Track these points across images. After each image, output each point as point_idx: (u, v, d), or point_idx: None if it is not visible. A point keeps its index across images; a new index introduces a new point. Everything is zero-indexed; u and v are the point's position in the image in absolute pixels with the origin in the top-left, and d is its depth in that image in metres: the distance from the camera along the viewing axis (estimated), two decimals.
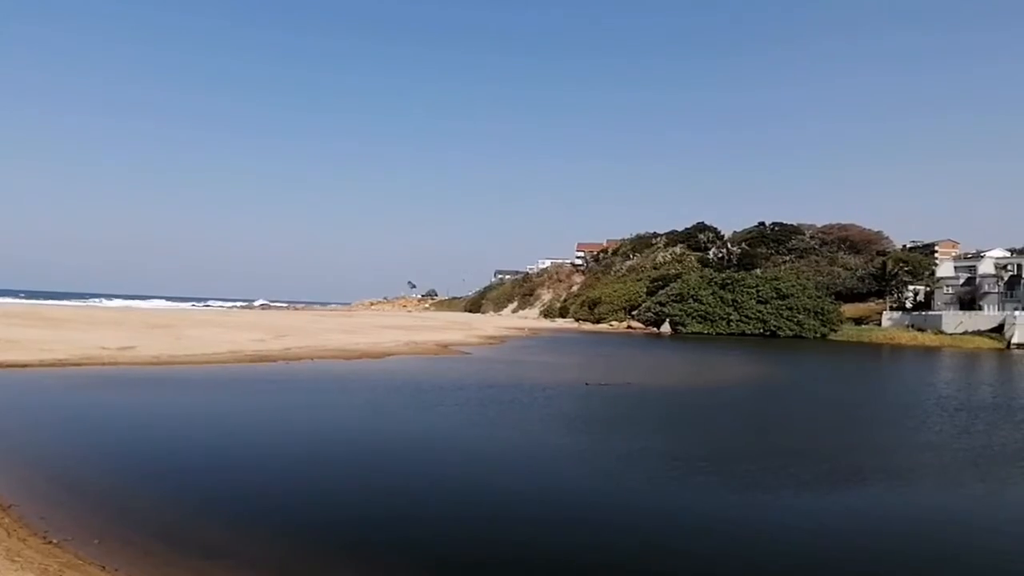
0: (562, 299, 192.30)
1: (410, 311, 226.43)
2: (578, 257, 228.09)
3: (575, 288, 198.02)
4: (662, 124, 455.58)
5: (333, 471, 19.44)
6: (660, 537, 15.52)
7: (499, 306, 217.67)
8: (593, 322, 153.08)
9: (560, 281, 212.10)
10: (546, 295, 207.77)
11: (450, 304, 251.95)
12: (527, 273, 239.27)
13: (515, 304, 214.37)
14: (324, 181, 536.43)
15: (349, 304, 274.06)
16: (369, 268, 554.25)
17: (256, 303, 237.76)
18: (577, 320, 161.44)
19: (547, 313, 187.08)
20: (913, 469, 23.78)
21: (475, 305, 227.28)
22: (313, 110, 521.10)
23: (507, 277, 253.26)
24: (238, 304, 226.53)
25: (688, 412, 36.03)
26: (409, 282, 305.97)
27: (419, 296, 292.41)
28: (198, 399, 30.49)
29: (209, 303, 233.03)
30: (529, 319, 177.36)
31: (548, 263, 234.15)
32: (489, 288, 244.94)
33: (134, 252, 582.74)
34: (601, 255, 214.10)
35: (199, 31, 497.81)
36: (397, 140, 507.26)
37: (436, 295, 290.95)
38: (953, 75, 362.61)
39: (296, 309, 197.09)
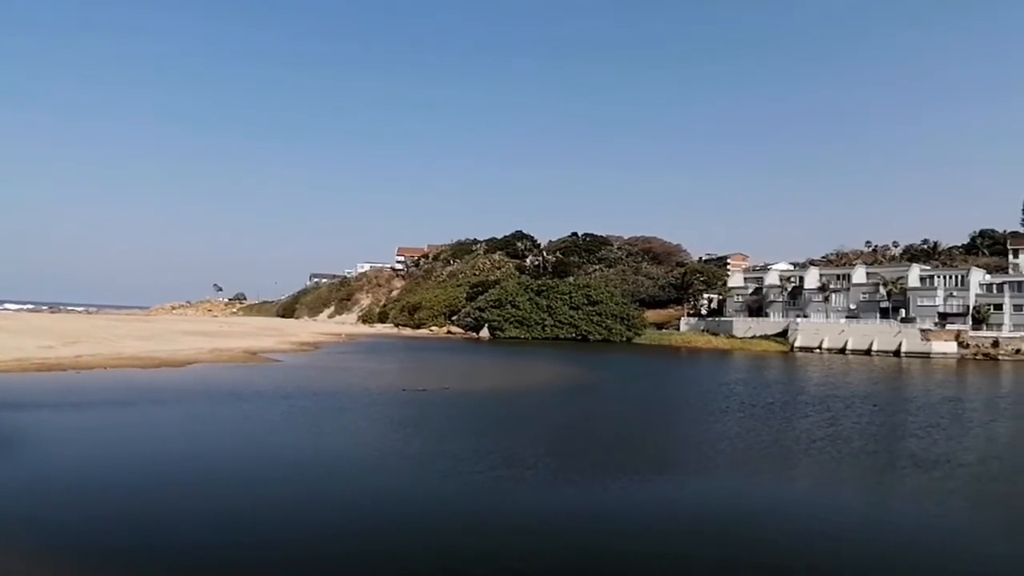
0: (382, 304, 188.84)
1: (216, 316, 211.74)
2: (398, 262, 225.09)
3: (395, 293, 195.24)
4: (484, 128, 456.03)
5: (150, 497, 17.47)
6: (500, 533, 15.18)
7: (314, 311, 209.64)
8: (413, 327, 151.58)
9: (380, 286, 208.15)
10: (365, 300, 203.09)
11: (260, 309, 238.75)
12: (345, 277, 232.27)
13: (332, 309, 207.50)
14: (112, 173, 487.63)
15: (148, 308, 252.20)
16: (170, 269, 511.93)
17: (44, 307, 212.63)
18: (397, 325, 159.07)
19: (366, 318, 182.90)
20: (711, 459, 25.21)
21: (288, 310, 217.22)
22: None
23: (323, 281, 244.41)
24: (27, 307, 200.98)
25: (506, 414, 35.77)
26: (215, 285, 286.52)
27: (226, 300, 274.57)
28: None
29: None
30: (347, 325, 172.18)
31: (367, 267, 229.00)
32: (304, 292, 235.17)
33: None
34: (422, 260, 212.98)
35: None
36: (200, 135, 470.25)
37: (245, 299, 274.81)
38: (745, 103, 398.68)
39: (90, 313, 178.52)
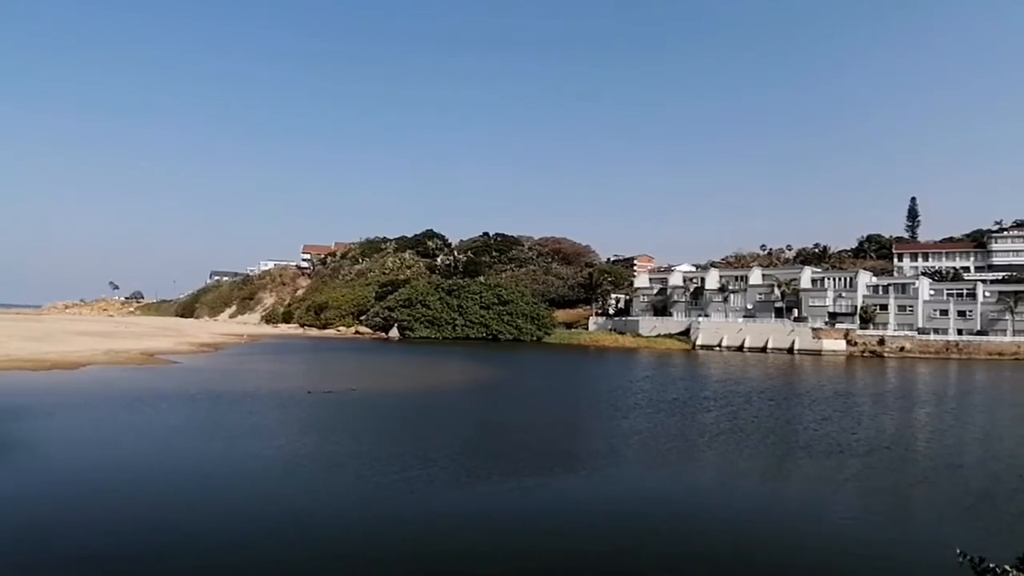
0: (286, 304, 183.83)
1: (112, 316, 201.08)
2: (304, 260, 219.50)
3: (301, 292, 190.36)
4: (397, 122, 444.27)
5: (49, 507, 16.57)
6: (416, 535, 15.00)
7: (215, 311, 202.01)
8: (320, 327, 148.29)
9: (284, 284, 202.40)
10: (269, 299, 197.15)
11: (159, 308, 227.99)
12: (247, 275, 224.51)
13: (234, 308, 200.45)
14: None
15: (40, 308, 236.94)
16: (64, 266, 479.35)
17: None
18: (302, 326, 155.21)
19: (270, 318, 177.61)
20: (622, 453, 25.81)
21: (187, 309, 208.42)
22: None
23: (225, 279, 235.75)
24: None
25: (418, 415, 35.56)
26: (111, 283, 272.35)
27: (123, 299, 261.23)
28: None
29: None
30: (249, 325, 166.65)
31: (271, 265, 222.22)
32: (204, 291, 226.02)
33: None
34: (329, 258, 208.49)
35: None
36: (96, 128, 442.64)
37: (143, 298, 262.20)
38: (632, 108, 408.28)
39: None
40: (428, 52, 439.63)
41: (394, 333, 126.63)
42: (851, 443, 29.49)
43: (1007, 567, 4.44)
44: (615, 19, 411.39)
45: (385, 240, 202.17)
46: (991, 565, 4.56)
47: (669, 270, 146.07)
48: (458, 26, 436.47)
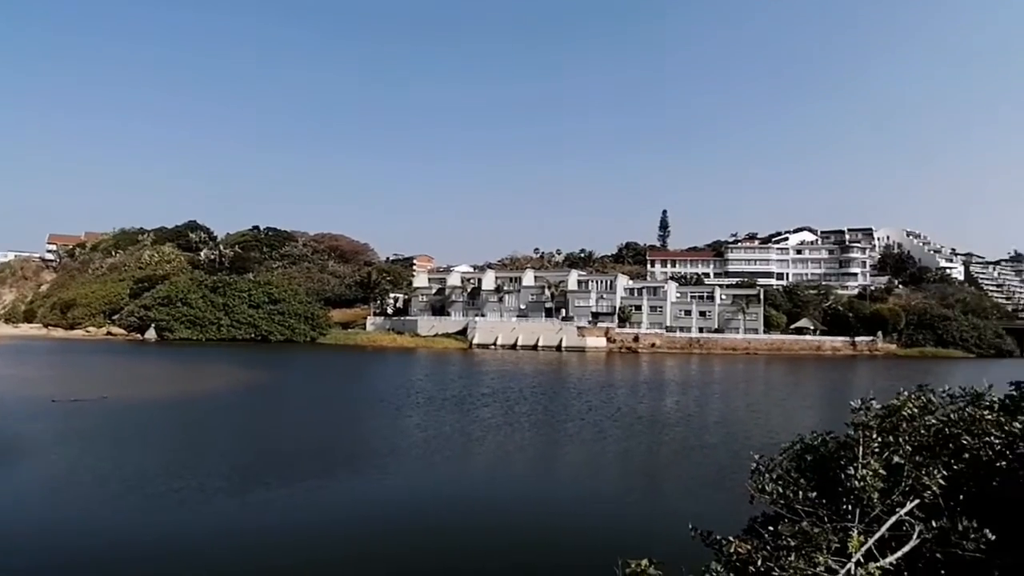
0: (28, 300, 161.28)
1: None
2: (49, 251, 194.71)
3: (45, 288, 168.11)
4: (155, 103, 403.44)
5: None
6: (192, 550, 13.85)
7: None
8: (66, 328, 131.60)
9: (26, 279, 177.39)
10: (8, 295, 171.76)
11: None
12: None
13: None
14: None
15: None
16: None
17: None
18: (46, 326, 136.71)
19: (9, 317, 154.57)
20: (402, 452, 25.81)
21: None
22: None
23: None
24: None
25: (180, 423, 32.93)
26: None
27: None
28: None
29: None
30: None
31: (12, 256, 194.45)
32: None
33: None
34: (78, 250, 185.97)
35: None
36: None
37: None
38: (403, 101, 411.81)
39: None
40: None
41: (151, 334, 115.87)
42: (612, 430, 31.90)
43: (730, 538, 5.04)
44: None
45: (142, 231, 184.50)
46: (717, 537, 5.17)
47: (448, 270, 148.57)
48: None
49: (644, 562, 5.10)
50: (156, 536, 15.26)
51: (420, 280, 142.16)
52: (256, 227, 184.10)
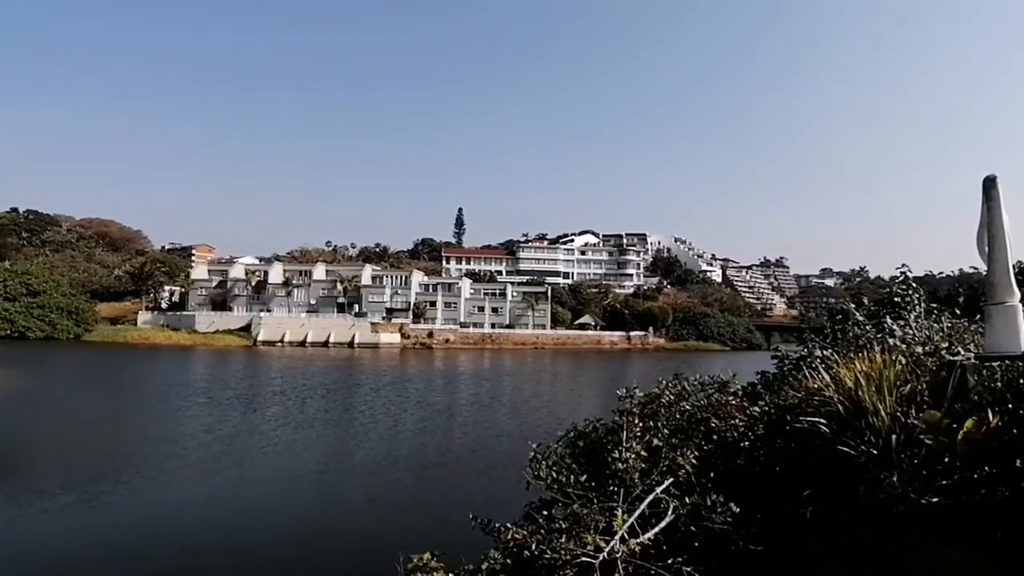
0: None
1: None
2: None
3: None
4: None
5: None
6: None
7: None
8: None
9: None
10: None
11: None
12: None
13: None
14: None
15: None
16: None
17: None
18: None
19: None
20: (168, 460, 23.95)
21: None
22: None
23: None
24: None
25: None
26: None
27: None
28: None
29: None
30: None
31: None
32: None
33: None
34: None
35: None
36: None
37: None
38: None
39: None
40: None
41: None
42: (406, 424, 31.98)
43: (508, 524, 5.32)
44: None
45: None
46: (496, 524, 5.44)
47: (231, 262, 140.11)
48: None
49: (426, 556, 5.19)
50: None
51: (199, 272, 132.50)
52: (14, 209, 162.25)
